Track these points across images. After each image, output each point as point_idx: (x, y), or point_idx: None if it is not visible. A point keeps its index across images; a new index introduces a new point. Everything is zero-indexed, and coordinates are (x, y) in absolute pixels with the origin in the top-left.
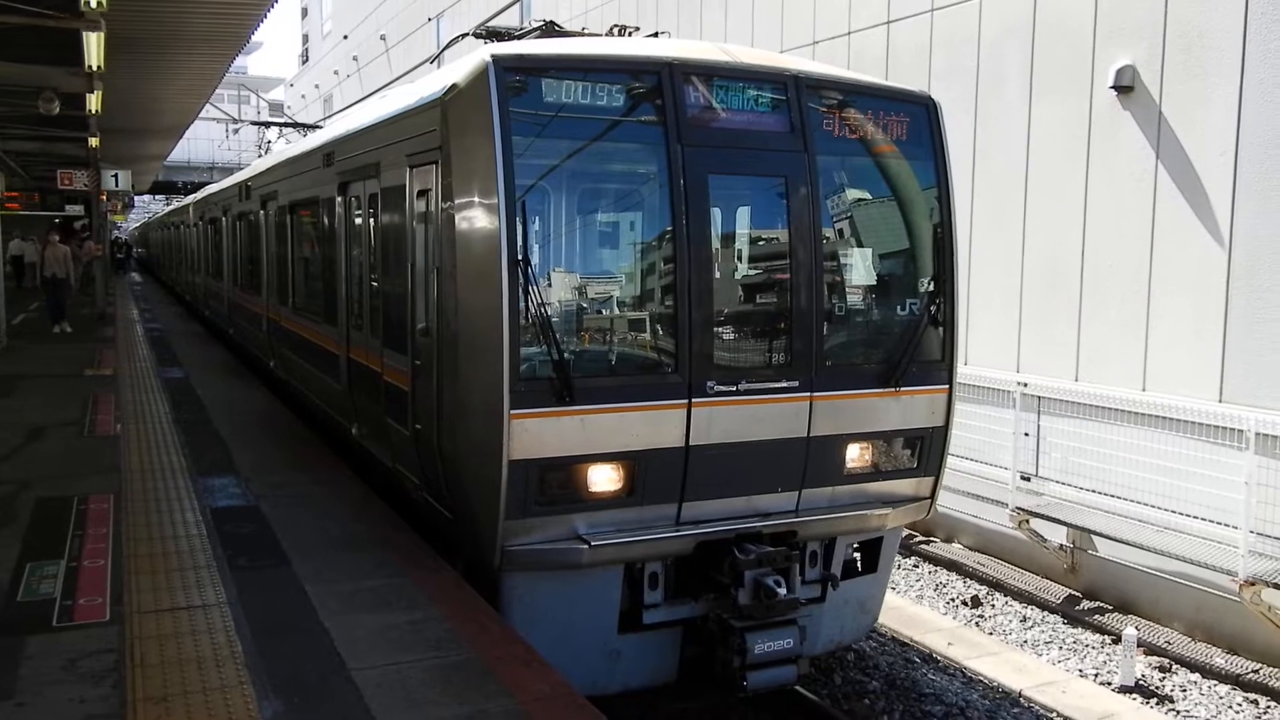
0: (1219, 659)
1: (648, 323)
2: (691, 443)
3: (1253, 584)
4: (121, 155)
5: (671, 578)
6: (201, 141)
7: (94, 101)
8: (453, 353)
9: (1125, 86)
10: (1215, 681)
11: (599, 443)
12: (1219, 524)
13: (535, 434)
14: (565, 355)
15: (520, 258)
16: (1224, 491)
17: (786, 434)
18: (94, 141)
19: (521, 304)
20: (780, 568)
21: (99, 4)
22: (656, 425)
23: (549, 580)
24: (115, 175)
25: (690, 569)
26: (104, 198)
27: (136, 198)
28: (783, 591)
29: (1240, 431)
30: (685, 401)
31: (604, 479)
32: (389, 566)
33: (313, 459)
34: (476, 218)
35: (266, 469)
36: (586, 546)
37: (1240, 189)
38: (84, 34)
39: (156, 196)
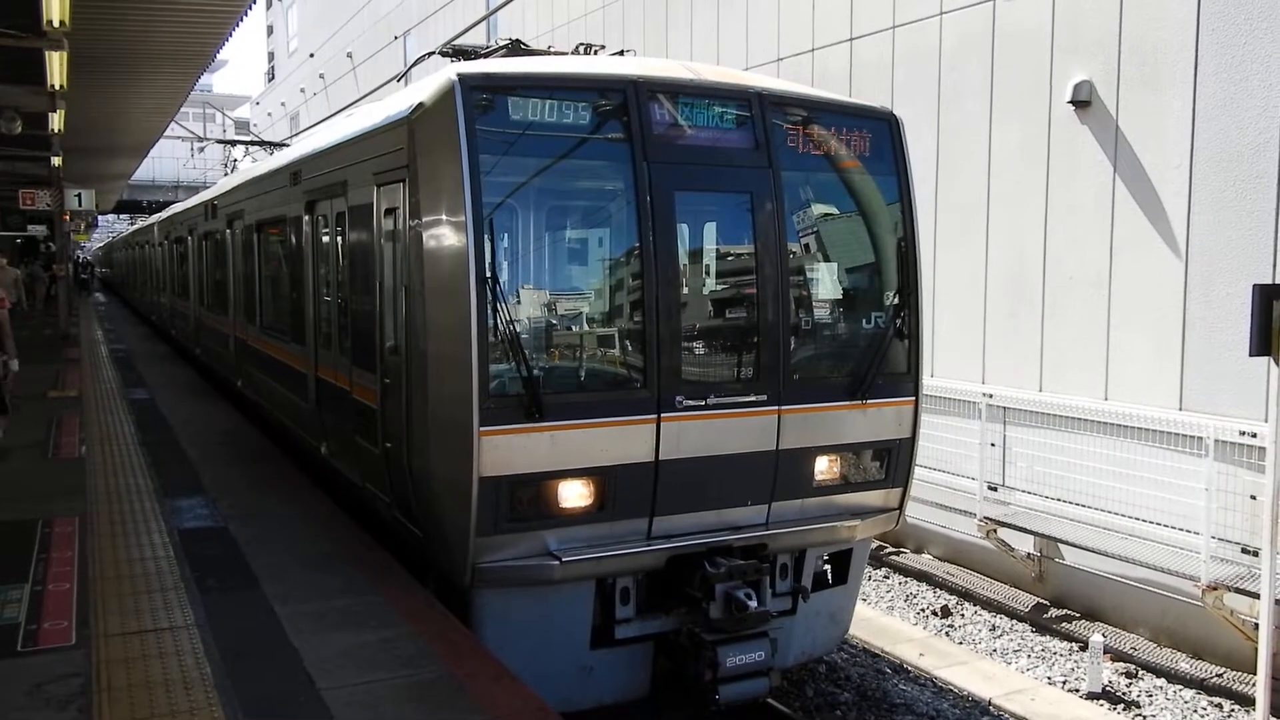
0: (1184, 664)
1: (616, 338)
2: (661, 457)
3: (1215, 589)
4: (85, 174)
5: (643, 592)
6: (167, 160)
7: (57, 120)
8: (422, 370)
9: (1083, 101)
10: (1180, 686)
11: (569, 459)
12: (1181, 530)
13: (505, 451)
14: (534, 372)
15: (488, 275)
16: (1185, 498)
17: (755, 447)
18: (57, 161)
19: (490, 321)
20: (751, 580)
21: (61, 23)
22: (626, 440)
23: (520, 597)
24: (79, 195)
25: (661, 583)
26: (67, 217)
27: (100, 217)
28: (753, 604)
29: (1200, 439)
30: (654, 416)
31: (574, 495)
32: (359, 585)
33: (281, 479)
34: (444, 235)
35: (235, 489)
36: (557, 562)
37: (1195, 201)
38: (46, 53)
39: (121, 215)
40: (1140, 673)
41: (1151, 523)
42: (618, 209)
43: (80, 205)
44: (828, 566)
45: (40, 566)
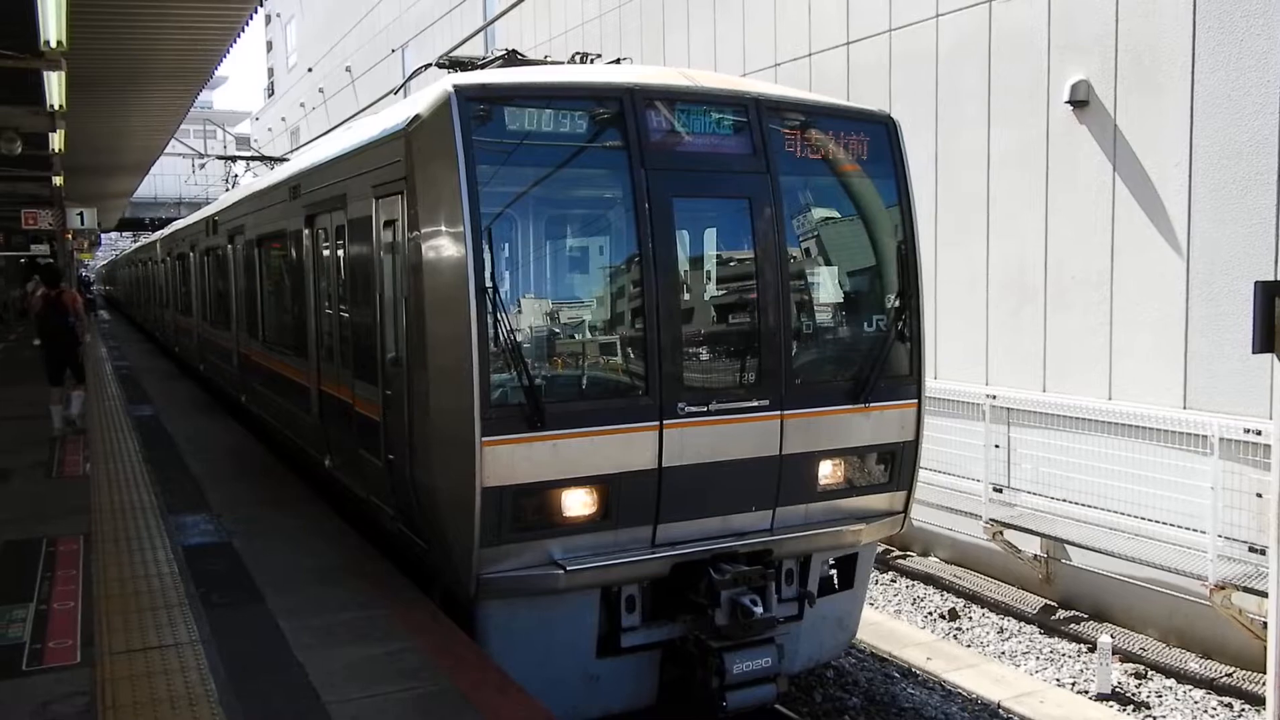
0: (1193, 664)
1: (617, 346)
2: (664, 464)
3: (1223, 588)
4: (87, 193)
5: (648, 600)
6: (168, 177)
7: (57, 140)
8: (423, 382)
9: (1080, 101)
10: (1190, 686)
11: (572, 467)
12: (1188, 529)
13: (507, 460)
14: (535, 381)
15: (488, 285)
16: (1191, 497)
17: (759, 453)
18: (58, 180)
19: (490, 331)
20: (756, 586)
21: (59, 43)
22: (629, 448)
23: (525, 606)
24: (81, 213)
25: (667, 591)
26: (70, 236)
27: (104, 235)
28: (759, 610)
29: (1204, 437)
30: (657, 423)
31: (578, 503)
32: (363, 598)
33: (285, 493)
34: (443, 246)
35: (239, 504)
36: (562, 571)
37: (1196, 199)
38: (45, 73)
39: (124, 233)
40: (1150, 673)
41: (1158, 522)
42: (616, 217)
43: (83, 224)
44: (833, 571)
45: (45, 585)
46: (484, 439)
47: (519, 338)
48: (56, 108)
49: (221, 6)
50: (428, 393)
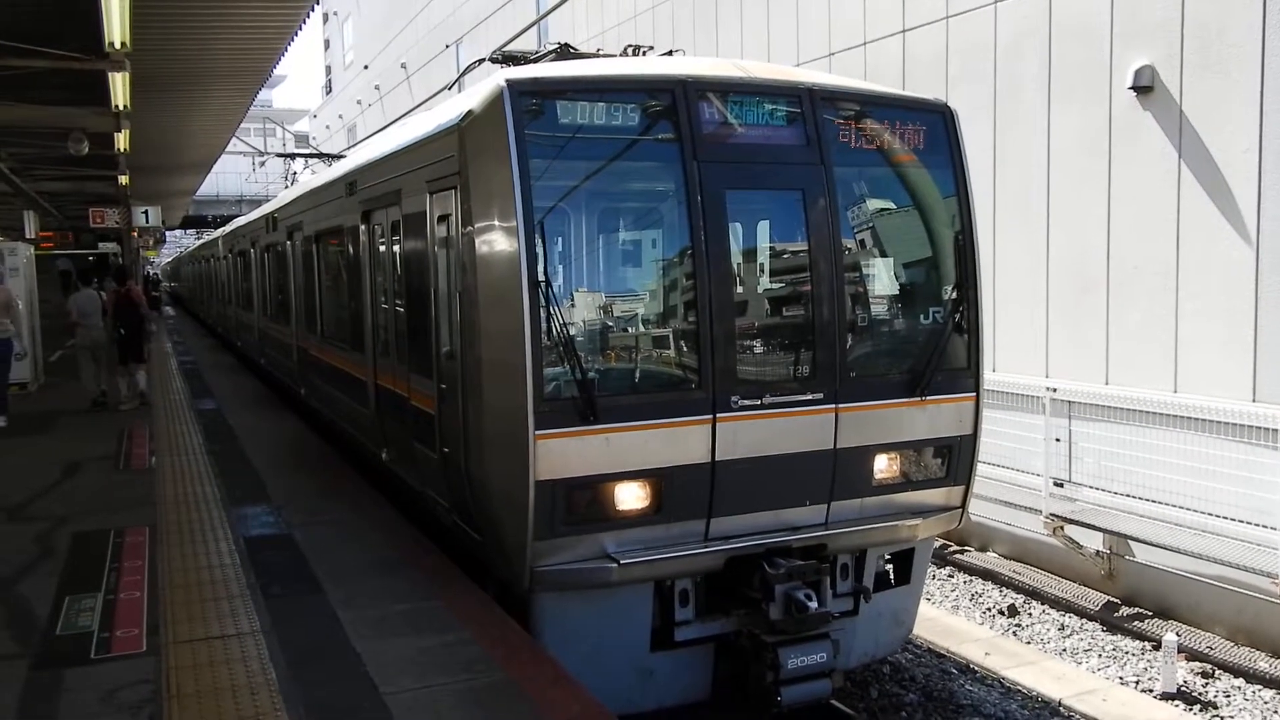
0: (1263, 663)
1: (670, 339)
2: (717, 458)
3: None
4: (151, 191)
5: (702, 594)
6: (229, 175)
7: (122, 140)
8: (477, 375)
9: (1144, 87)
10: (1260, 686)
11: (624, 461)
12: (1257, 525)
13: (560, 454)
14: (588, 375)
15: (540, 279)
16: (1260, 492)
17: (813, 446)
18: (124, 179)
19: (543, 325)
20: (811, 581)
21: (123, 45)
22: (682, 442)
23: (579, 600)
24: (146, 211)
25: (720, 585)
26: (136, 234)
27: (168, 232)
28: (814, 605)
29: (1275, 431)
30: (710, 417)
31: (631, 497)
32: (420, 590)
33: (344, 486)
34: (496, 241)
35: (299, 497)
36: (615, 565)
37: (1266, 185)
38: (110, 74)
39: (188, 230)
40: (1217, 672)
41: (1226, 518)
42: (669, 209)
43: (148, 221)
44: (890, 566)
45: (112, 575)
46: (537, 432)
47: (572, 331)
48: (121, 108)
49: (279, 6)
50: (481, 386)
